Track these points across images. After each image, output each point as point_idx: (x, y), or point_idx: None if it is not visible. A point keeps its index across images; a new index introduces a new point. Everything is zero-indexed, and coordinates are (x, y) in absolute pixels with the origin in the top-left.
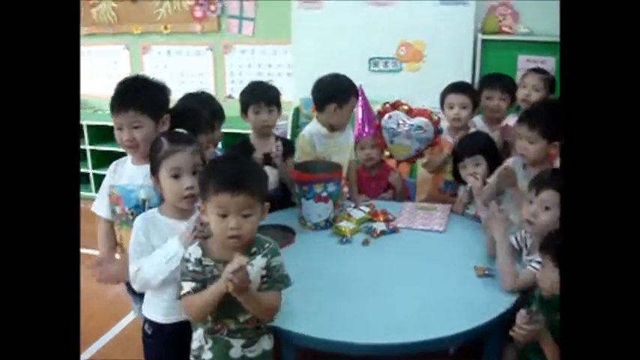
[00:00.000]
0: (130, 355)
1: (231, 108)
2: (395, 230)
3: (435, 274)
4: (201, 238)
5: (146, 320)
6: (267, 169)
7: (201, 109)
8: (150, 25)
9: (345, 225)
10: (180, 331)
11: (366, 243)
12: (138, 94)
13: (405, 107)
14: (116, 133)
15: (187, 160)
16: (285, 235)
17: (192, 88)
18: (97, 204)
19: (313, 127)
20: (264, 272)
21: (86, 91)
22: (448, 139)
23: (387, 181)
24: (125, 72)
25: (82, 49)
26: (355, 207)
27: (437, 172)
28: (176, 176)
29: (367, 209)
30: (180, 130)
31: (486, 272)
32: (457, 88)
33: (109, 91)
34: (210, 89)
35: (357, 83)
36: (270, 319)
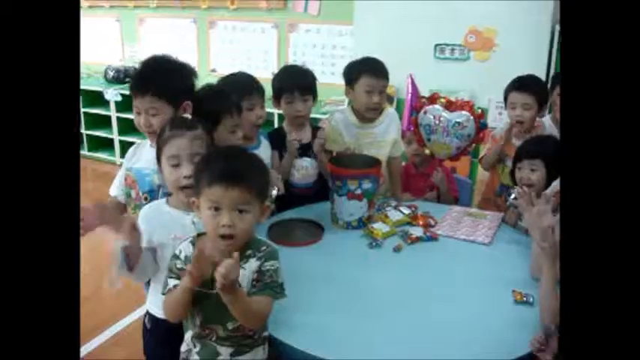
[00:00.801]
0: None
1: None
2: (433, 237)
3: (469, 294)
4: None
5: (147, 313)
6: (305, 160)
7: (224, 91)
8: (217, 0)
9: (378, 227)
10: (178, 328)
11: (397, 249)
12: (156, 79)
13: (443, 100)
14: (135, 116)
15: (185, 147)
16: (314, 230)
17: (257, 65)
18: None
19: (341, 115)
20: (255, 276)
21: None
22: (513, 141)
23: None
24: (192, 46)
25: (151, 21)
26: (396, 207)
27: (494, 172)
28: (175, 165)
29: (408, 211)
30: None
31: (525, 299)
32: (520, 85)
33: None
34: (274, 67)
35: (420, 71)
36: (263, 329)
